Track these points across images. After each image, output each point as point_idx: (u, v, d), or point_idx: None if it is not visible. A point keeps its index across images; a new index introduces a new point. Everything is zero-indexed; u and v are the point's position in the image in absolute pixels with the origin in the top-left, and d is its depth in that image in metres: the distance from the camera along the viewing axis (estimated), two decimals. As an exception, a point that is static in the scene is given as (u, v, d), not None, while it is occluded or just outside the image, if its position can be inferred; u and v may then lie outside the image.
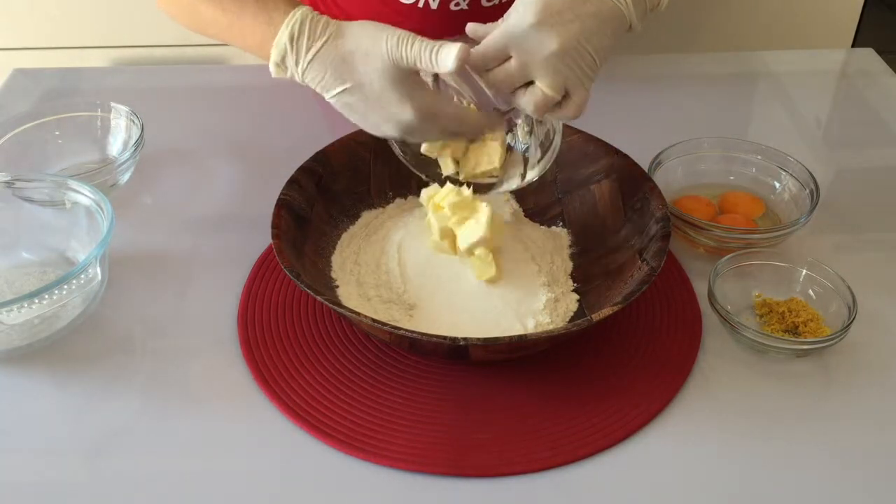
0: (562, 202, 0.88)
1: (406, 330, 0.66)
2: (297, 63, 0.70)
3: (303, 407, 0.71)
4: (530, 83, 0.71)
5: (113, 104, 0.98)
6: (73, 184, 0.82)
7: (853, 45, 1.67)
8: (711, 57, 1.23)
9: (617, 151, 0.85)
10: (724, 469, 0.68)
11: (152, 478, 0.67)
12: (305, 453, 0.69)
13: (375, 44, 0.69)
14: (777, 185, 0.92)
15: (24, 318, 0.73)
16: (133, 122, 0.96)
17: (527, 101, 0.72)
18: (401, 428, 0.70)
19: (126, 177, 0.94)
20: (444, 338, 0.66)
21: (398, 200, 0.89)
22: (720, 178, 0.94)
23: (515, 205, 0.89)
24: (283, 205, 0.78)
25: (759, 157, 0.93)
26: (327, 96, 0.72)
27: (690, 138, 0.93)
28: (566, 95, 0.71)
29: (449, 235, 0.78)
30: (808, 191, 0.88)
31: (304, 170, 0.83)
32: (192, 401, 0.73)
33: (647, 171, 0.85)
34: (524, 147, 0.79)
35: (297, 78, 0.72)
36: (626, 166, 0.84)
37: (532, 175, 0.79)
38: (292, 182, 0.81)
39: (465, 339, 0.66)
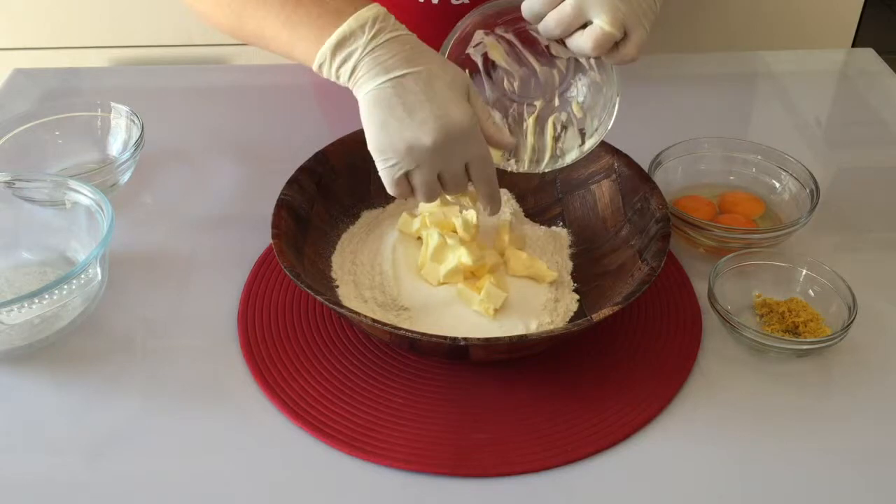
0: (562, 202, 0.88)
1: (406, 330, 0.66)
2: (373, 37, 0.67)
3: (303, 407, 0.71)
4: (587, 25, 0.69)
5: (113, 104, 0.98)
6: (73, 184, 0.82)
7: (853, 45, 1.67)
8: (711, 57, 1.23)
9: (617, 151, 0.85)
10: (725, 469, 0.68)
11: (152, 478, 0.67)
12: (305, 453, 0.69)
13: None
14: (777, 185, 0.92)
15: (24, 318, 0.73)
16: (133, 122, 0.96)
17: (585, 41, 0.69)
18: (401, 428, 0.70)
19: (126, 177, 0.94)
20: (445, 338, 0.66)
21: (398, 200, 0.89)
22: (720, 178, 0.94)
23: (515, 205, 0.89)
24: (283, 205, 0.78)
25: (759, 157, 0.93)
26: (381, 80, 0.67)
27: (690, 138, 0.93)
28: (624, 35, 0.69)
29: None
30: (808, 191, 0.88)
31: (304, 170, 0.83)
32: (192, 401, 0.73)
33: (647, 171, 0.84)
34: (579, 118, 0.77)
35: (358, 54, 0.67)
36: (626, 166, 0.84)
37: (591, 143, 0.77)
38: (292, 182, 0.81)
39: (465, 339, 0.66)
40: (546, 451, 0.68)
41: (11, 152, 0.93)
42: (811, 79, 1.19)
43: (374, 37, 0.67)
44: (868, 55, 1.23)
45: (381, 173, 0.70)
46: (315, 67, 0.70)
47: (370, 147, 0.69)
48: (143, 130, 0.94)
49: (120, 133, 0.98)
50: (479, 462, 0.68)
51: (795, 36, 1.65)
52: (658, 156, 0.90)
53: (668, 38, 1.62)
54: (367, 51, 0.67)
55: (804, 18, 1.64)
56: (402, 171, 0.69)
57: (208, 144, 1.03)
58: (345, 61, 0.68)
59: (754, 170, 0.93)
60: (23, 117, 0.95)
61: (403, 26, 0.69)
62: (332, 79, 0.70)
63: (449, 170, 0.69)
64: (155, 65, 1.37)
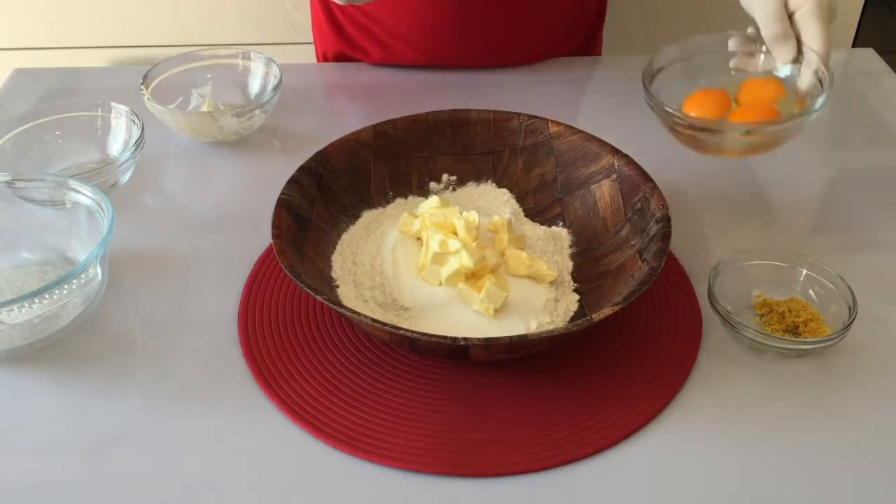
0: (562, 202, 0.88)
1: (406, 330, 0.66)
2: None
3: (303, 407, 0.71)
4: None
5: (113, 104, 0.98)
6: (74, 184, 0.82)
7: (853, 45, 1.67)
8: (711, 57, 1.23)
9: (617, 151, 0.85)
10: (724, 469, 0.68)
11: (152, 478, 0.67)
12: (305, 453, 0.69)
13: None
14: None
15: (25, 318, 0.73)
16: (133, 122, 0.96)
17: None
18: (401, 428, 0.70)
19: (126, 177, 0.94)
20: (445, 338, 0.66)
21: (398, 200, 0.89)
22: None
23: (515, 205, 0.89)
24: (283, 205, 0.78)
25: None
26: None
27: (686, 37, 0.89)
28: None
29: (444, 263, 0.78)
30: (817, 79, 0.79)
31: (304, 170, 0.83)
32: (192, 401, 0.73)
33: (646, 170, 0.84)
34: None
35: None
36: (627, 166, 0.84)
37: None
38: (292, 182, 0.81)
39: (465, 339, 0.66)
40: (546, 451, 0.68)
41: (11, 152, 0.93)
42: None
43: None
44: (868, 55, 1.23)
45: None
46: None
47: None
48: (143, 130, 0.94)
49: (120, 133, 0.98)
50: (479, 462, 0.68)
51: (795, 36, 1.65)
52: (653, 60, 0.86)
53: (668, 37, 1.62)
54: None
55: (804, 18, 1.63)
56: None
57: (208, 144, 1.03)
58: None
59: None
60: (23, 117, 0.95)
61: None
62: None
63: None
64: (155, 65, 1.37)
